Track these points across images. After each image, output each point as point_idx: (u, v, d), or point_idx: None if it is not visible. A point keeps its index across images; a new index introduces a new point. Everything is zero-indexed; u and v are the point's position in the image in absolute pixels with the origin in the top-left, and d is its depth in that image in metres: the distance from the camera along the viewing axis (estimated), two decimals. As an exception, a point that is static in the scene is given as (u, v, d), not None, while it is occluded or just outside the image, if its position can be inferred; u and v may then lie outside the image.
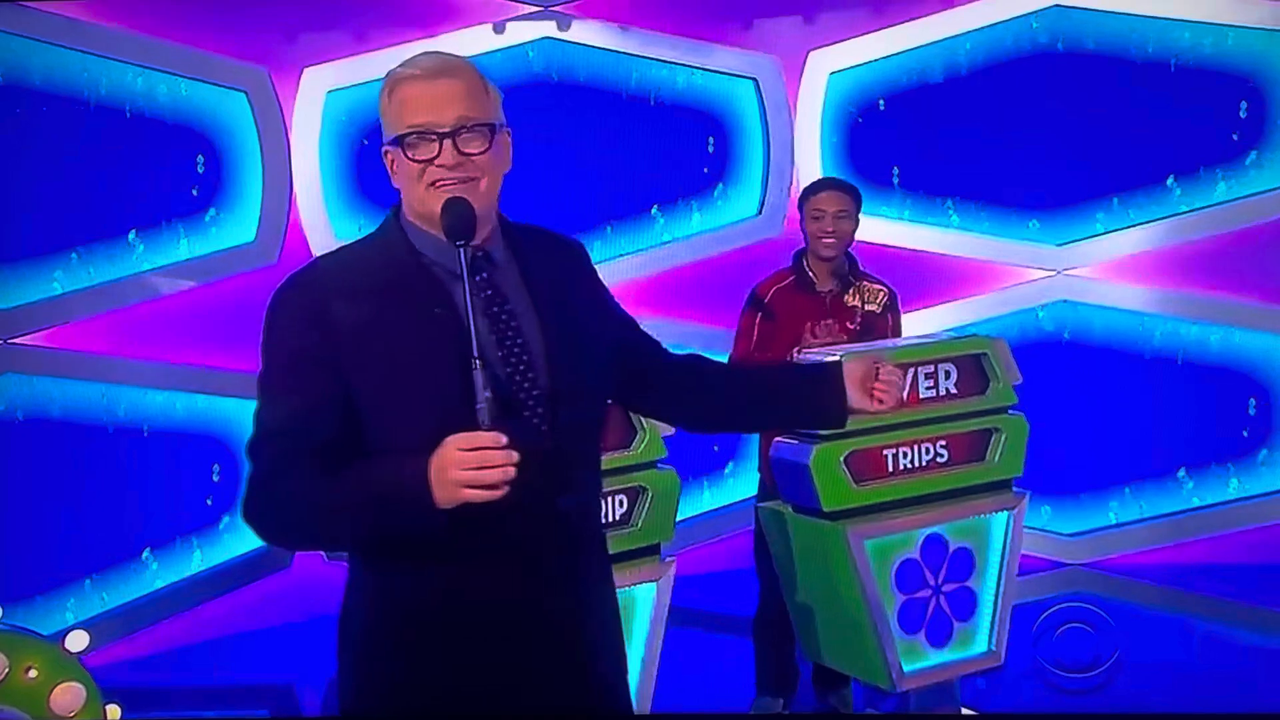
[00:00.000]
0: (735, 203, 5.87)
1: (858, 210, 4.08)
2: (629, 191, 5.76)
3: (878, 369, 2.20)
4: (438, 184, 1.90)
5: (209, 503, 5.34)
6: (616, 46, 5.67)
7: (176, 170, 5.26)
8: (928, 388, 3.74)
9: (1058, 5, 5.63)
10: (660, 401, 2.28)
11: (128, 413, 5.19)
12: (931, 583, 3.77)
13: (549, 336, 1.95)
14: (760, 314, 4.04)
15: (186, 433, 5.30)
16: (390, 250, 1.96)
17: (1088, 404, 5.69)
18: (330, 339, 1.87)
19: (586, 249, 2.16)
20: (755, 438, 4.37)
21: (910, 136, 5.74)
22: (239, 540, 5.28)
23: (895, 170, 5.75)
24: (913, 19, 5.69)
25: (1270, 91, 5.59)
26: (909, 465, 3.72)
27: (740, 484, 5.80)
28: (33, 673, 3.23)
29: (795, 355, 3.85)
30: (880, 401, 2.19)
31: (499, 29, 5.51)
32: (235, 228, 5.35)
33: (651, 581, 3.43)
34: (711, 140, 5.82)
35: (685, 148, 5.80)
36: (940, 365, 3.76)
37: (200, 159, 5.29)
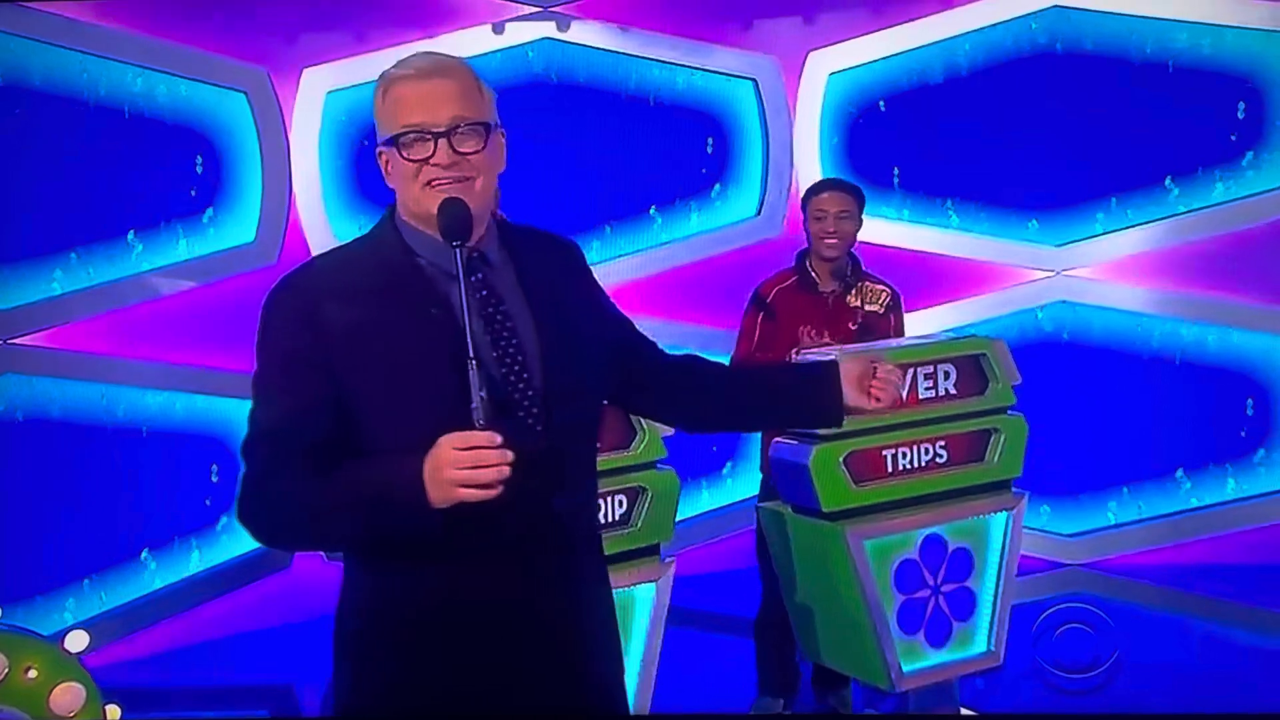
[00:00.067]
0: (734, 203, 5.88)
1: (860, 211, 4.09)
2: (628, 192, 5.77)
3: (875, 368, 2.20)
4: (433, 183, 1.90)
5: (208, 503, 5.34)
6: (616, 47, 5.67)
7: (176, 171, 5.26)
8: (927, 388, 3.74)
9: (1057, 6, 5.63)
10: (656, 402, 2.28)
11: (127, 413, 5.19)
12: (931, 583, 3.77)
13: (544, 337, 1.95)
14: (762, 314, 4.05)
15: (186, 433, 5.30)
16: (385, 251, 1.96)
17: (1087, 404, 5.70)
18: (324, 340, 1.87)
19: (582, 249, 2.16)
20: (757, 438, 4.37)
21: (910, 137, 5.75)
22: (237, 541, 5.28)
23: (896, 170, 5.75)
24: (912, 20, 5.69)
25: (1268, 92, 5.60)
26: (908, 466, 3.72)
27: (739, 484, 5.81)
28: (32, 673, 3.22)
29: (795, 356, 3.85)
30: (878, 400, 2.19)
31: (498, 29, 5.52)
32: (235, 228, 5.36)
33: (651, 582, 3.43)
34: (711, 141, 5.83)
35: (685, 148, 5.81)
36: (939, 366, 3.76)
37: (199, 159, 5.29)
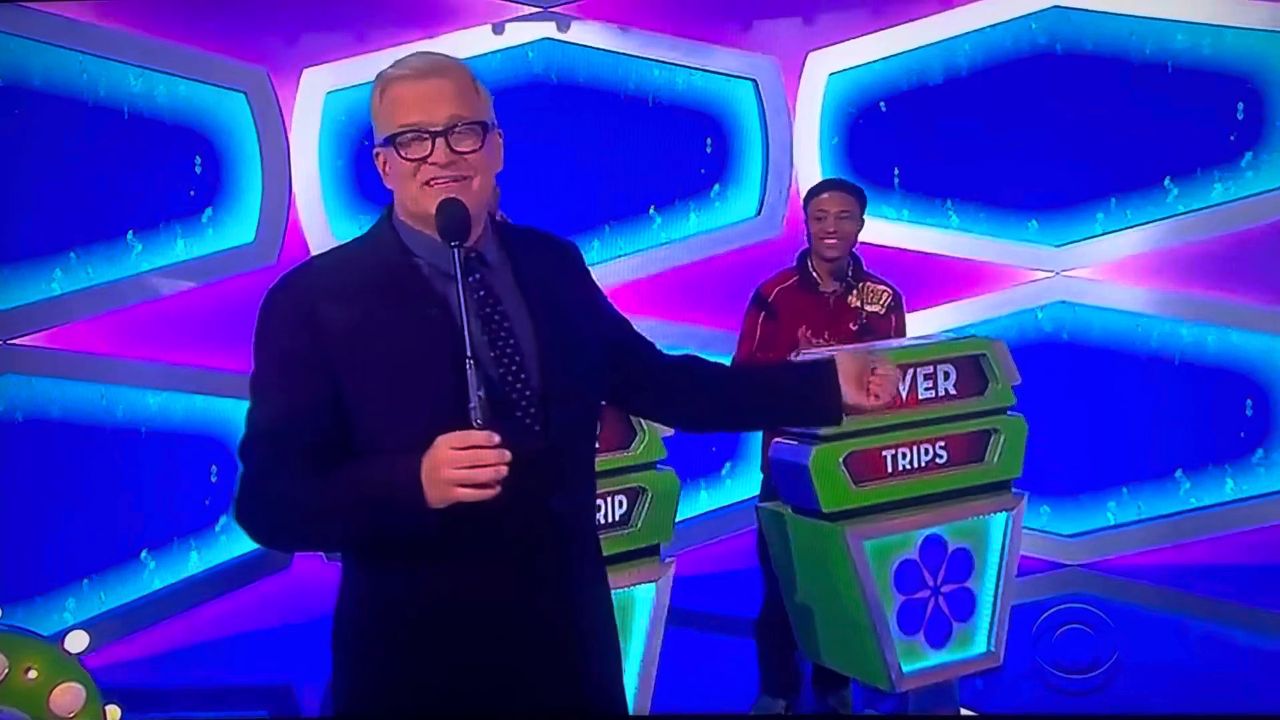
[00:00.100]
0: (734, 204, 5.88)
1: (861, 211, 4.09)
2: (628, 192, 5.77)
3: (873, 365, 2.20)
4: (431, 182, 1.90)
5: (207, 503, 5.34)
6: (616, 48, 5.67)
7: (175, 171, 5.26)
8: (927, 389, 3.74)
9: (1057, 6, 5.63)
10: (654, 402, 2.28)
11: (127, 413, 5.19)
12: (930, 583, 3.77)
13: (542, 337, 1.95)
14: (763, 314, 4.05)
15: (185, 434, 5.30)
16: (382, 251, 1.96)
17: (1086, 405, 5.70)
18: (322, 340, 1.87)
19: (580, 250, 2.16)
20: (756, 439, 4.37)
21: (909, 138, 5.75)
22: (236, 542, 5.28)
23: (896, 171, 5.75)
24: (912, 20, 5.69)
25: (1267, 93, 5.60)
26: (908, 466, 3.72)
27: (738, 485, 5.81)
28: (32, 673, 3.22)
29: (795, 356, 3.84)
30: (876, 397, 2.19)
31: (498, 30, 5.52)
32: (234, 228, 5.36)
33: (651, 582, 3.43)
34: (710, 141, 5.83)
35: (685, 149, 5.81)
36: (939, 366, 3.76)
37: (198, 160, 5.29)
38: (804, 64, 5.74)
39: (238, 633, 5.18)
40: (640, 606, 3.42)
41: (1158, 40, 5.62)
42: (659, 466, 3.43)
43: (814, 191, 4.16)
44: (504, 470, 1.75)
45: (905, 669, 3.71)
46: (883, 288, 4.11)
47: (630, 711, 3.31)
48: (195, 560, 5.32)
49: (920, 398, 3.73)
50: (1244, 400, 5.71)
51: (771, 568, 3.96)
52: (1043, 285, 5.74)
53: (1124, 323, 5.72)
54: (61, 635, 3.32)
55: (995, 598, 3.86)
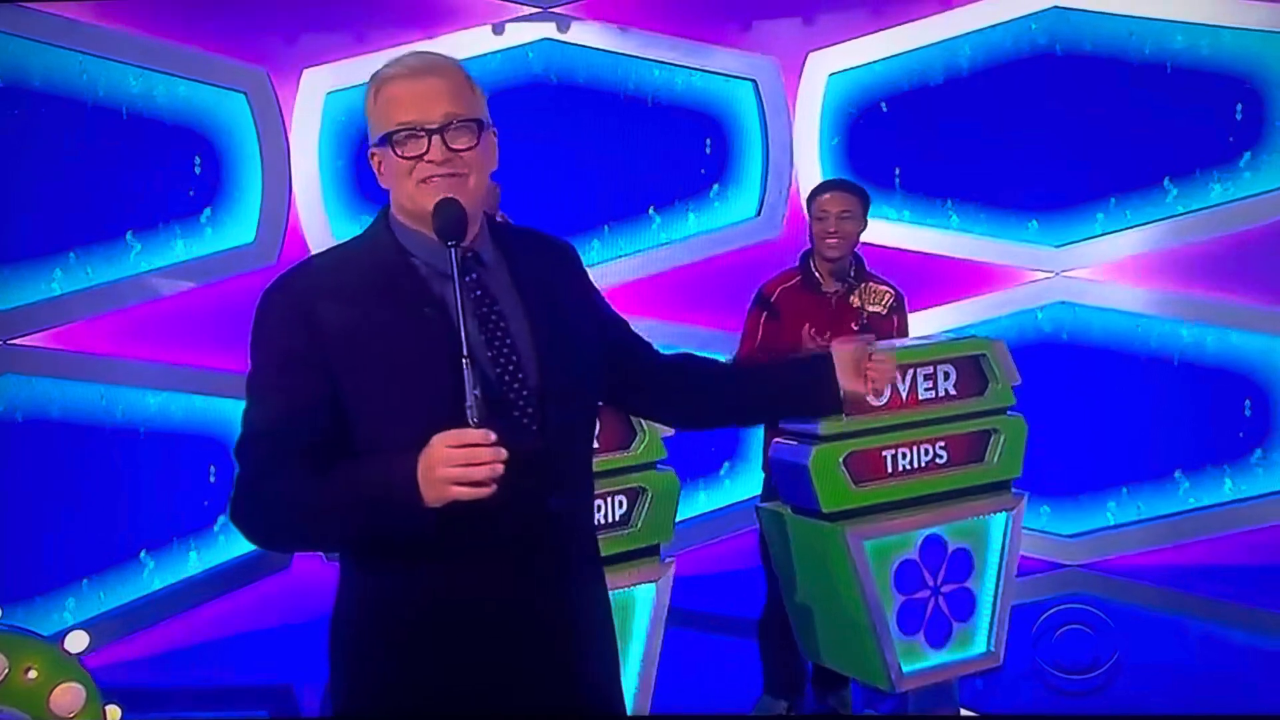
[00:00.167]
0: (734, 204, 5.88)
1: (864, 211, 4.09)
2: (628, 193, 5.77)
3: (869, 353, 2.19)
4: (427, 180, 1.90)
5: (206, 504, 5.34)
6: (616, 48, 5.67)
7: (175, 171, 5.27)
8: (927, 389, 3.74)
9: (1056, 7, 5.64)
10: (653, 402, 2.28)
11: (126, 414, 5.19)
12: (930, 583, 3.77)
13: (538, 337, 1.95)
14: (765, 314, 4.05)
15: (184, 434, 5.30)
16: (379, 250, 1.96)
17: (1086, 405, 5.70)
18: (318, 340, 1.87)
19: (576, 250, 2.16)
20: (755, 439, 4.37)
21: (909, 138, 5.75)
22: (234, 542, 5.28)
23: (897, 171, 5.75)
24: (912, 20, 5.69)
25: (1266, 93, 5.60)
26: (908, 466, 3.73)
27: (737, 485, 5.81)
28: (32, 673, 3.22)
29: (794, 356, 3.85)
30: (873, 384, 2.18)
31: (498, 30, 5.52)
32: (234, 229, 5.36)
33: (651, 582, 3.43)
34: (709, 141, 5.83)
35: (685, 149, 5.81)
36: (939, 366, 3.76)
37: (197, 160, 5.30)
38: (804, 64, 5.74)
39: (238, 633, 5.18)
40: (640, 606, 3.42)
41: (1157, 41, 5.62)
42: (659, 466, 3.43)
43: (816, 191, 4.16)
44: (500, 468, 1.74)
45: (905, 669, 3.72)
46: (885, 288, 4.11)
47: (630, 711, 3.31)
48: (194, 560, 5.32)
49: (920, 398, 3.74)
50: (1243, 401, 5.72)
51: (773, 567, 3.96)
52: (1043, 286, 5.74)
53: (1123, 323, 5.73)
54: (61, 635, 3.32)
55: (995, 598, 3.86)
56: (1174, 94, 5.61)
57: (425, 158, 1.89)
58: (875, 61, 5.74)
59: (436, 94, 1.90)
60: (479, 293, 1.94)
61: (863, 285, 4.08)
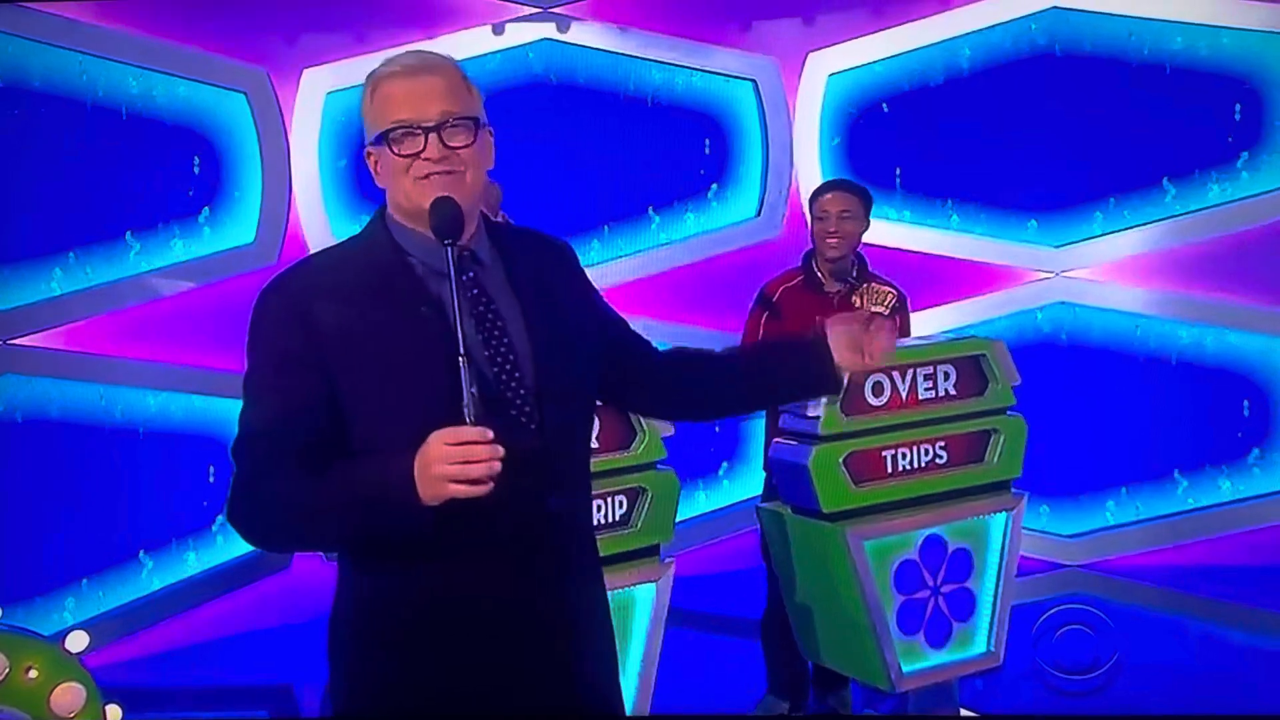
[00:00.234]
0: (734, 204, 5.88)
1: (865, 212, 4.09)
2: (628, 193, 5.77)
3: (866, 323, 2.18)
4: (424, 178, 1.90)
5: (205, 505, 5.34)
6: (616, 48, 5.67)
7: (175, 171, 5.27)
8: (927, 389, 3.74)
9: (1056, 7, 5.64)
10: (653, 399, 2.28)
11: (126, 414, 5.19)
12: (930, 583, 3.77)
13: (535, 337, 1.95)
14: (767, 313, 4.05)
15: (184, 434, 5.30)
16: (375, 250, 1.96)
17: (1085, 405, 5.70)
18: (315, 340, 1.87)
19: (574, 250, 2.15)
20: (759, 440, 4.37)
21: (909, 138, 5.75)
22: (232, 542, 5.28)
23: (897, 171, 5.76)
24: (911, 21, 5.70)
25: (1265, 94, 5.60)
26: (908, 466, 3.73)
27: (735, 486, 5.81)
28: (33, 673, 3.22)
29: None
30: (870, 357, 2.18)
31: (499, 30, 5.52)
32: (234, 229, 5.36)
33: (651, 582, 3.43)
34: (708, 142, 5.83)
35: (685, 149, 5.81)
36: (939, 367, 3.76)
37: (196, 160, 5.30)
38: (804, 64, 5.74)
39: (237, 633, 5.18)
40: (640, 606, 3.42)
41: (1156, 41, 5.62)
42: (659, 466, 3.43)
43: (817, 192, 4.17)
44: (497, 466, 1.74)
45: (905, 669, 3.72)
46: (887, 288, 4.10)
47: (630, 711, 3.31)
48: (193, 561, 5.32)
49: (920, 398, 3.74)
50: (1241, 401, 5.72)
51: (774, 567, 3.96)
52: (1042, 286, 5.74)
53: (1123, 323, 5.73)
54: (62, 635, 3.32)
55: (995, 598, 3.87)
56: (1173, 94, 5.62)
57: (422, 155, 1.89)
58: (875, 61, 5.74)
59: (433, 92, 1.90)
60: (476, 291, 1.94)
61: (865, 285, 4.08)
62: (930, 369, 3.75)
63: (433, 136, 1.89)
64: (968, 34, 5.69)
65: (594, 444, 2.95)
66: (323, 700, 4.34)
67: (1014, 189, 5.74)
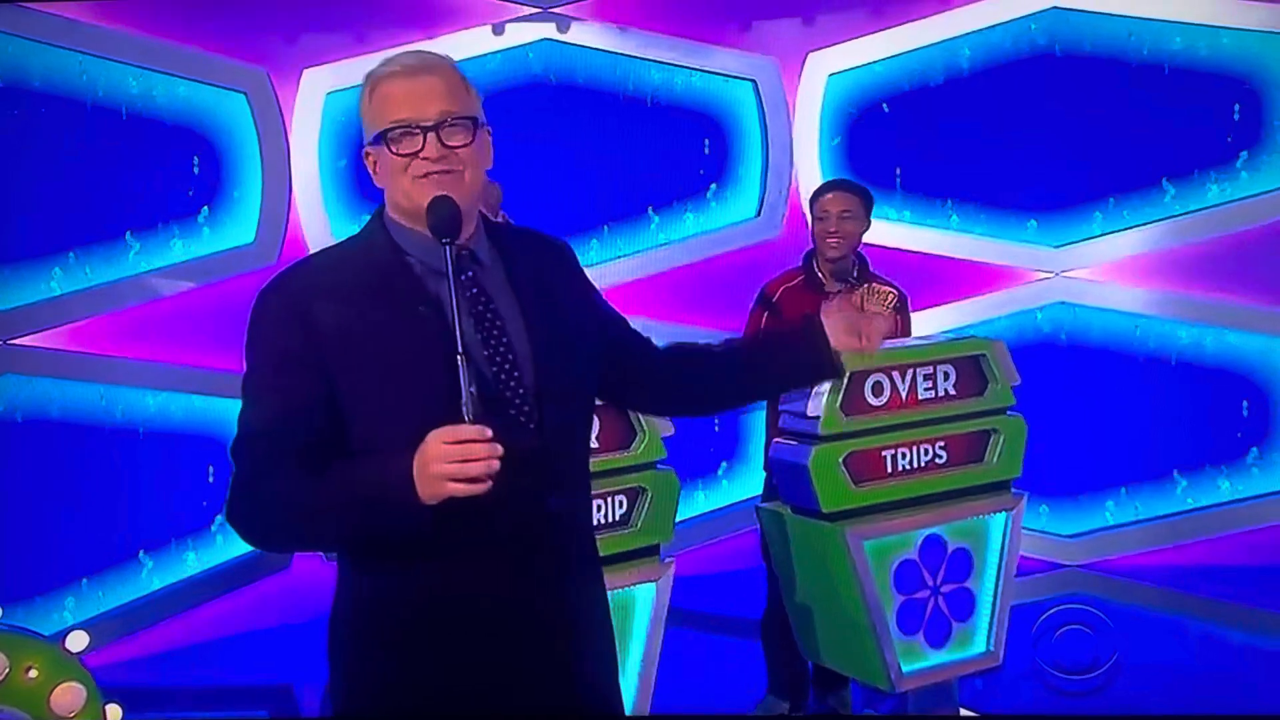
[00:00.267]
0: (734, 204, 5.88)
1: (866, 212, 4.09)
2: (628, 193, 5.77)
3: (859, 305, 2.19)
4: (423, 177, 1.90)
5: (204, 505, 5.34)
6: (615, 48, 5.68)
7: (175, 171, 5.27)
8: (926, 389, 3.75)
9: (1056, 7, 5.64)
10: (654, 397, 2.29)
11: (126, 414, 5.20)
12: (930, 583, 3.77)
13: (535, 337, 1.95)
14: (768, 313, 4.06)
15: (184, 434, 5.30)
16: (374, 250, 1.96)
17: (1085, 405, 5.71)
18: (314, 340, 1.87)
19: (573, 249, 2.16)
20: (760, 440, 4.37)
21: (909, 138, 5.75)
22: (231, 543, 5.28)
23: (897, 171, 5.76)
24: (911, 21, 5.70)
25: (1264, 94, 5.61)
26: (908, 466, 3.73)
27: (734, 486, 5.81)
28: (33, 673, 3.23)
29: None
30: (867, 339, 2.17)
31: (498, 30, 5.52)
32: (234, 229, 5.36)
33: (651, 582, 3.43)
34: (707, 142, 5.83)
35: (685, 149, 5.81)
36: (939, 366, 3.77)
37: (195, 160, 5.30)
38: (804, 64, 5.75)
39: (237, 633, 5.18)
40: (640, 606, 3.42)
41: (1155, 42, 5.63)
42: (659, 466, 3.43)
43: (818, 192, 4.17)
44: (496, 464, 1.74)
45: (905, 669, 3.72)
46: (888, 289, 4.06)
47: (630, 711, 3.31)
48: (192, 560, 5.32)
49: (920, 398, 3.74)
50: (1240, 401, 5.72)
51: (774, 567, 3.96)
52: (1042, 286, 5.74)
53: (1122, 323, 5.73)
54: (62, 635, 3.32)
55: (995, 598, 3.87)
56: (1172, 95, 5.62)
57: (421, 155, 1.90)
58: (875, 62, 5.74)
59: (432, 92, 1.91)
60: (475, 291, 1.94)
61: (866, 285, 4.06)
62: (930, 369, 3.75)
63: (432, 136, 1.89)
64: (968, 34, 5.70)
65: (594, 444, 2.97)
66: (323, 700, 4.34)
67: (1014, 189, 5.74)
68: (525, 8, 5.57)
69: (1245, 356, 5.71)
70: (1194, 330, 5.69)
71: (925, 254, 5.67)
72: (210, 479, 5.33)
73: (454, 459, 1.73)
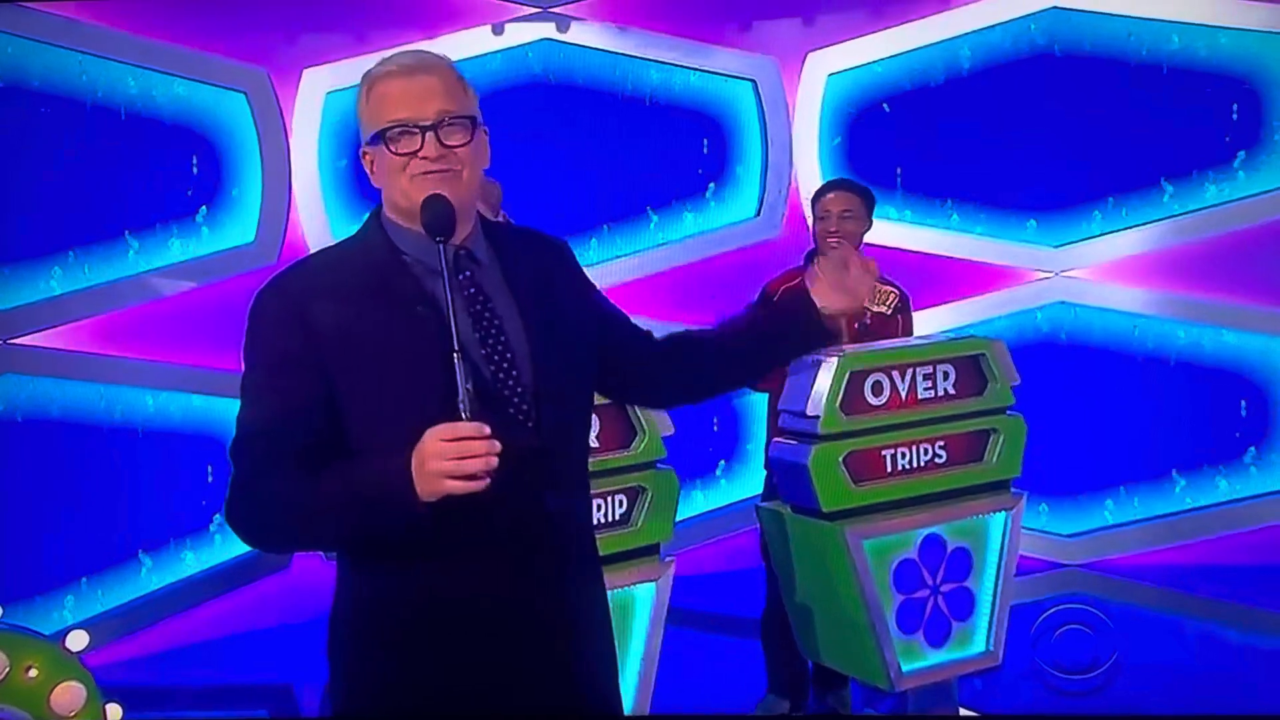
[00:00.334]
0: (734, 204, 5.88)
1: (868, 211, 4.08)
2: (627, 193, 5.77)
3: (846, 263, 2.18)
4: (421, 176, 1.90)
5: (203, 504, 5.34)
6: (615, 48, 5.68)
7: (175, 171, 5.27)
8: (926, 389, 3.75)
9: (1055, 7, 5.64)
10: (654, 392, 2.31)
11: (126, 414, 5.19)
12: (930, 583, 3.77)
13: (533, 336, 1.95)
14: (769, 312, 4.05)
15: (183, 434, 5.30)
16: (372, 250, 1.96)
17: (1085, 405, 5.71)
18: (313, 340, 1.87)
19: (571, 248, 2.16)
20: (760, 439, 4.37)
21: (908, 138, 5.76)
22: (230, 543, 5.28)
23: (897, 171, 5.76)
24: (911, 21, 5.70)
25: (1263, 94, 5.61)
26: (907, 466, 3.73)
27: (734, 486, 5.82)
28: (33, 672, 3.23)
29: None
30: (853, 295, 2.17)
31: (498, 30, 5.52)
32: (234, 229, 5.36)
33: (651, 581, 3.43)
34: (707, 142, 5.83)
35: (684, 149, 5.81)
36: (939, 366, 3.77)
37: (195, 160, 5.30)
38: (804, 64, 5.75)
39: (237, 633, 5.18)
40: (640, 606, 3.42)
41: (1154, 42, 5.63)
42: (659, 466, 3.43)
43: (819, 191, 4.17)
44: (494, 461, 1.74)
45: (904, 668, 3.72)
46: (890, 288, 4.10)
47: (629, 711, 3.31)
48: (191, 560, 5.32)
49: (920, 397, 3.74)
50: (1239, 400, 5.73)
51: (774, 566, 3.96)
52: (1042, 286, 5.75)
53: (1121, 323, 5.74)
54: (62, 634, 3.32)
55: (994, 597, 3.87)
56: (1171, 95, 5.62)
57: (419, 154, 1.90)
58: (875, 61, 5.75)
59: (430, 91, 1.91)
60: (473, 290, 1.94)
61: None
62: (930, 368, 3.75)
63: (430, 135, 1.90)
64: (968, 34, 5.70)
65: (594, 443, 2.97)
66: (323, 700, 4.34)
67: (1013, 189, 5.75)
68: (525, 8, 5.57)
69: (1244, 356, 5.71)
70: (1193, 330, 5.70)
71: (925, 254, 5.67)
72: (209, 479, 5.33)
73: (452, 456, 1.73)
